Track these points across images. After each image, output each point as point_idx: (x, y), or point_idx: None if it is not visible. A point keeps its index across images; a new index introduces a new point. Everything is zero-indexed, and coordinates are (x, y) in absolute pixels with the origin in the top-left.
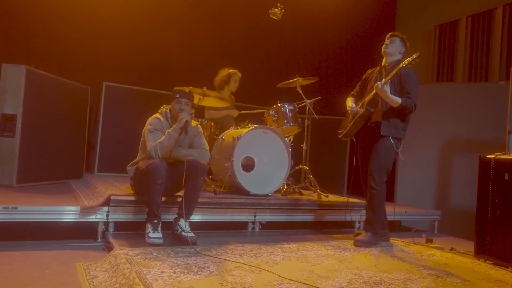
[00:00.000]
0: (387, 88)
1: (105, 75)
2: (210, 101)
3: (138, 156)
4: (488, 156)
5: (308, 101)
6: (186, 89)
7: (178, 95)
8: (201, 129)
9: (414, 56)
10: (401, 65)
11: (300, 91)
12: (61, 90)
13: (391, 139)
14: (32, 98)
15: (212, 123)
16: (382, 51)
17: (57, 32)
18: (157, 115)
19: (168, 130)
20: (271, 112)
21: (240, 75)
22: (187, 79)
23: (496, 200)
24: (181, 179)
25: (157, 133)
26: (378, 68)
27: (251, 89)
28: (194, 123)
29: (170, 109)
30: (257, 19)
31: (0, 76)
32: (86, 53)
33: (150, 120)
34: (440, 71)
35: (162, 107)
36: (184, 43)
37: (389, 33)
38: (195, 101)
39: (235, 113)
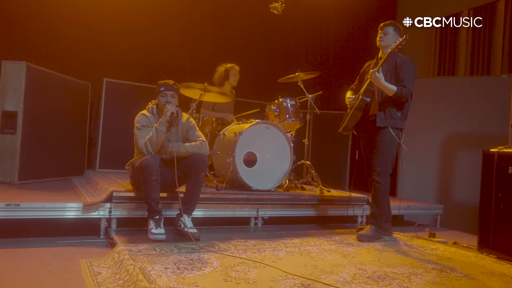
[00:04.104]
0: (380, 75)
1: (106, 71)
2: (211, 96)
3: (134, 154)
4: (491, 150)
5: (310, 95)
6: (171, 82)
7: (162, 88)
8: (193, 122)
9: (401, 39)
10: (389, 50)
11: (302, 86)
12: (61, 86)
13: (390, 130)
14: (32, 95)
15: (214, 119)
16: (377, 44)
17: (58, 28)
18: (143, 111)
19: (155, 125)
20: (272, 107)
21: (238, 68)
22: (188, 75)
23: (500, 194)
24: (182, 174)
25: (145, 129)
26: (375, 60)
27: (253, 84)
28: (185, 117)
29: (156, 104)
30: (258, 14)
31: (0, 73)
32: (86, 50)
33: (137, 118)
34: (442, 65)
35: (149, 103)
36: (185, 39)
37: (381, 24)
38: (196, 96)
39: (230, 117)
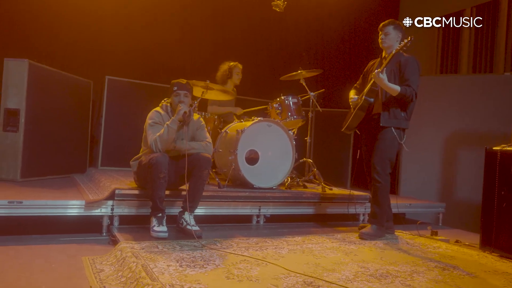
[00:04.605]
0: (383, 76)
1: (108, 69)
2: (213, 94)
3: (141, 150)
4: (494, 148)
5: (312, 93)
6: (183, 81)
7: (175, 88)
8: (203, 122)
9: (406, 41)
10: (393, 51)
11: (304, 84)
12: (64, 84)
13: (393, 130)
14: (35, 93)
15: (216, 117)
16: (380, 45)
17: (59, 26)
18: (157, 108)
19: (167, 122)
20: (274, 105)
21: (241, 67)
22: (190, 72)
23: (503, 192)
24: (186, 172)
25: (157, 126)
26: (379, 59)
27: (255, 83)
28: (196, 116)
29: (170, 103)
30: (259, 12)
31: (2, 71)
32: (88, 47)
33: (150, 114)
34: (444, 63)
35: (163, 101)
36: (186, 37)
37: (381, 24)
38: (198, 94)
39: (239, 111)
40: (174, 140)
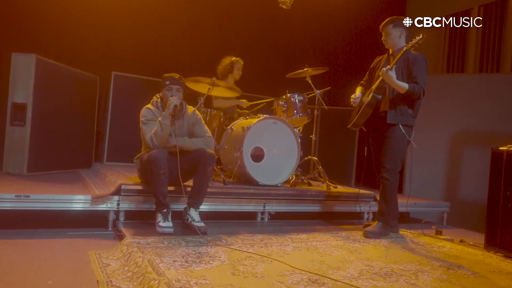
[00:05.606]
0: (392, 73)
1: (114, 64)
2: (219, 91)
3: (142, 148)
4: (500, 148)
5: (318, 91)
6: (176, 75)
7: (168, 82)
8: (199, 115)
9: (417, 38)
10: (404, 48)
11: (310, 81)
12: (70, 79)
13: (401, 127)
14: (42, 87)
15: (221, 113)
16: (385, 46)
17: (67, 22)
18: (148, 105)
19: (159, 118)
20: (280, 103)
21: (242, 63)
22: (195, 69)
23: (508, 192)
24: (190, 168)
25: (150, 123)
26: (386, 55)
27: (260, 80)
28: (191, 109)
29: (161, 97)
30: (266, 9)
31: (10, 65)
32: (95, 43)
33: (141, 112)
34: (451, 62)
35: (153, 97)
36: (192, 33)
37: (380, 26)
38: (204, 90)
39: (245, 103)
40: (171, 136)
